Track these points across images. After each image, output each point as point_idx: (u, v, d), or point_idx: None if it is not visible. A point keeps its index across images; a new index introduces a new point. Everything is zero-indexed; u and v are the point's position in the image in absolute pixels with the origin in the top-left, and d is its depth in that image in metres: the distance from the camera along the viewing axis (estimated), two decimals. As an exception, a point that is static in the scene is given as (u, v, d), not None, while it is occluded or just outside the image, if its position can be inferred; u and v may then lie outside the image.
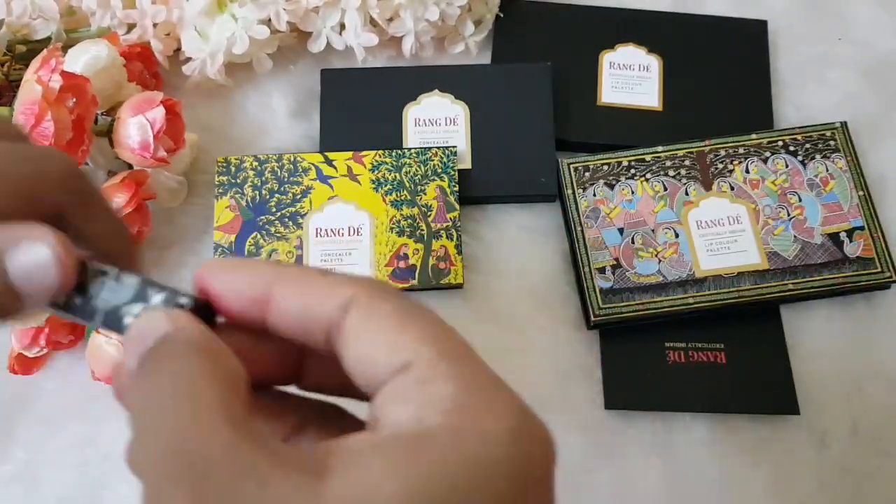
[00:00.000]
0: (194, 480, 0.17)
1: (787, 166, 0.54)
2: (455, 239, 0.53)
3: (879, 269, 0.51)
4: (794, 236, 0.52)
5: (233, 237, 0.53)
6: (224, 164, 0.54)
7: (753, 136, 0.55)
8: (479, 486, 0.18)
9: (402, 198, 0.54)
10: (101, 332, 0.48)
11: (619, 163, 0.54)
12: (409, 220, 0.53)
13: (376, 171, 0.54)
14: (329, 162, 0.54)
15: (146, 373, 0.19)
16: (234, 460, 0.17)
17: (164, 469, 0.17)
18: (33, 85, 0.44)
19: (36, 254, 0.21)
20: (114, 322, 0.21)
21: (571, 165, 0.54)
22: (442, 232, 0.53)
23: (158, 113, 0.48)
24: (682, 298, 0.50)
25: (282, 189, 0.54)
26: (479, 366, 0.21)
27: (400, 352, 0.20)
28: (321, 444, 0.19)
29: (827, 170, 0.54)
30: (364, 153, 0.54)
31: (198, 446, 0.17)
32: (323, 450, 0.19)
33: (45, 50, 0.47)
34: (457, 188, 0.54)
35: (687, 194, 0.53)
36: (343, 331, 0.21)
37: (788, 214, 0.53)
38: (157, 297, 0.22)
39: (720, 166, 0.54)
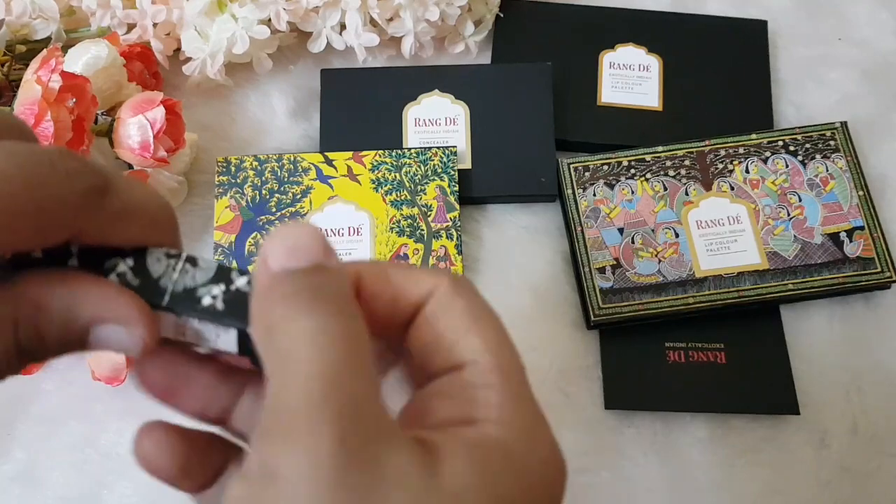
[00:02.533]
0: (344, 424, 0.17)
1: (787, 166, 0.54)
2: (455, 239, 0.53)
3: (879, 269, 0.51)
4: (794, 236, 0.52)
5: (233, 237, 0.53)
6: (224, 164, 0.54)
7: (753, 135, 0.55)
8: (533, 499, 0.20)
9: (402, 198, 0.54)
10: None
11: (619, 163, 0.54)
12: (409, 220, 0.53)
13: (376, 171, 0.54)
14: (329, 162, 0.54)
15: (305, 300, 0.19)
16: (379, 419, 0.18)
17: (317, 402, 0.17)
18: (33, 85, 0.44)
19: (119, 336, 0.21)
20: (186, 303, 0.21)
21: (571, 165, 0.54)
22: (442, 232, 0.53)
23: (158, 113, 0.48)
24: (682, 298, 0.50)
25: (282, 189, 0.54)
26: (526, 390, 0.22)
27: (462, 352, 0.21)
28: (427, 432, 0.20)
29: (827, 170, 0.54)
30: (364, 153, 0.54)
31: (354, 391, 0.18)
32: (430, 436, 0.20)
33: (44, 50, 0.47)
34: (457, 188, 0.54)
35: (687, 194, 0.53)
36: (419, 318, 0.22)
37: (788, 214, 0.53)
38: (241, 280, 0.21)
39: (720, 166, 0.54)
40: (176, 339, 0.22)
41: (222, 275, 0.21)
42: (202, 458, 0.23)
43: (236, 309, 0.21)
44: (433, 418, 0.21)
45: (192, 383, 0.23)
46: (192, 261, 0.21)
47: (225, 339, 0.21)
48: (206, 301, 0.21)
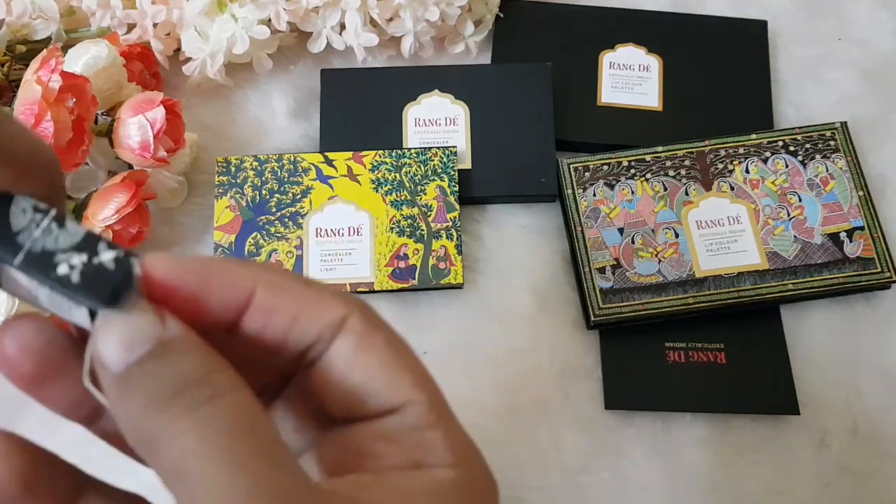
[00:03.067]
0: None
1: (787, 166, 0.54)
2: (455, 239, 0.53)
3: (879, 269, 0.51)
4: (794, 236, 0.52)
5: (233, 237, 0.53)
6: (224, 164, 0.54)
7: (753, 136, 0.55)
8: None
9: (402, 198, 0.54)
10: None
11: (619, 163, 0.54)
12: (409, 220, 0.53)
13: (376, 171, 0.54)
14: (329, 162, 0.54)
15: (171, 404, 0.17)
16: None
17: None
18: (33, 85, 0.44)
19: None
20: (40, 267, 0.18)
21: (571, 165, 0.54)
22: (442, 232, 0.53)
23: (158, 113, 0.48)
24: (682, 298, 0.50)
25: (282, 189, 0.54)
26: (456, 421, 0.21)
27: (398, 392, 0.20)
28: (357, 479, 0.19)
29: (827, 170, 0.54)
30: (364, 153, 0.54)
31: (276, 485, 0.16)
32: (362, 485, 0.19)
33: (45, 50, 0.47)
34: (457, 188, 0.54)
35: (687, 194, 0.53)
36: (332, 353, 0.20)
37: (788, 214, 0.53)
38: (107, 254, 0.19)
39: (720, 166, 0.54)
40: (29, 302, 0.20)
41: (88, 243, 0.19)
42: (48, 481, 0.20)
43: (93, 285, 0.18)
44: (379, 463, 0.20)
45: (65, 374, 0.20)
46: (59, 220, 0.19)
47: (77, 314, 0.19)
48: (62, 270, 0.19)
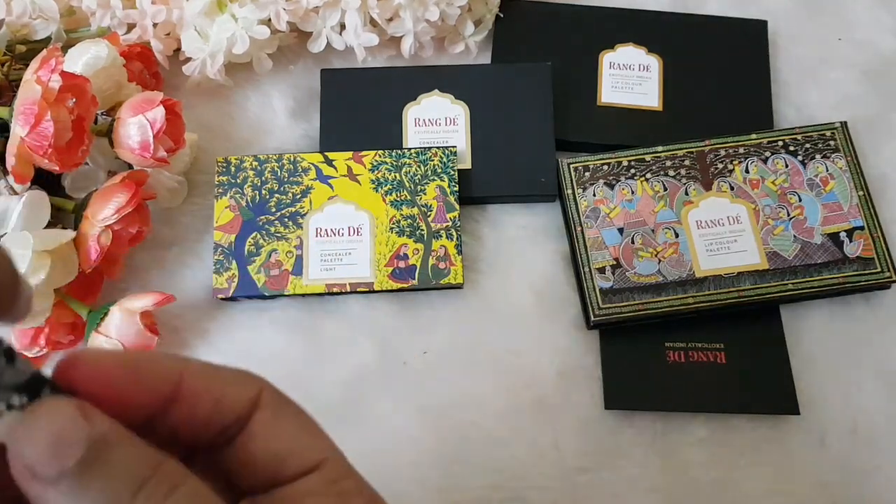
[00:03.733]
0: None
1: (786, 166, 0.54)
2: (455, 239, 0.53)
3: (879, 269, 0.51)
4: (794, 236, 0.52)
5: (233, 237, 0.53)
6: (224, 164, 0.54)
7: (753, 135, 0.55)
8: None
9: (402, 198, 0.54)
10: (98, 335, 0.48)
11: (619, 163, 0.54)
12: (409, 220, 0.53)
13: (376, 171, 0.54)
14: (329, 162, 0.54)
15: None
16: None
17: None
18: (33, 85, 0.44)
19: None
20: None
21: (571, 165, 0.54)
22: (442, 232, 0.53)
23: (158, 113, 0.48)
24: (682, 298, 0.50)
25: (282, 189, 0.54)
26: (359, 475, 0.24)
27: (317, 451, 0.22)
28: None
29: (827, 170, 0.54)
30: (364, 153, 0.54)
31: None
32: None
33: (44, 50, 0.46)
34: (457, 188, 0.54)
35: (687, 194, 0.53)
36: (254, 425, 0.22)
37: (788, 214, 0.53)
38: (19, 399, 0.18)
39: (720, 166, 0.54)
40: None
41: (32, 386, 0.18)
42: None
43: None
44: None
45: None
46: (9, 356, 0.18)
47: None
48: None
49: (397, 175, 0.54)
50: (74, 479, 0.17)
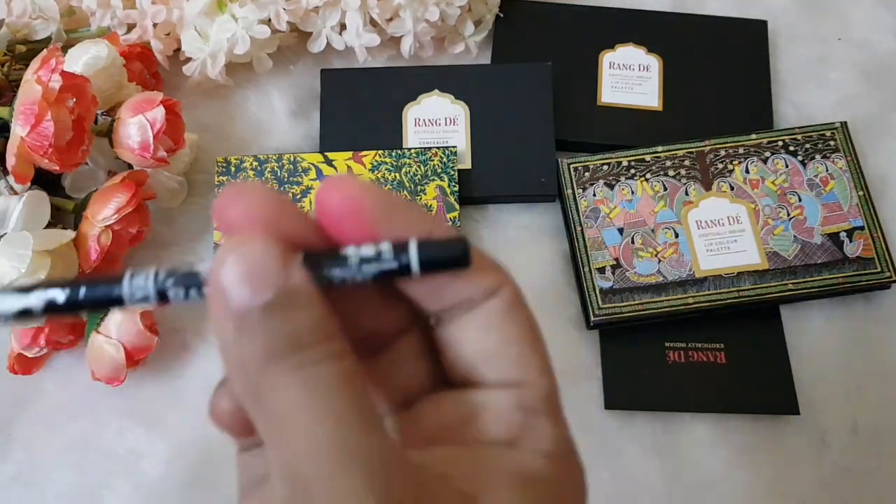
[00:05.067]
0: (379, 484, 0.17)
1: (786, 166, 0.54)
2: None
3: (879, 269, 0.51)
4: (794, 236, 0.52)
5: (233, 237, 0.52)
6: (224, 164, 0.54)
7: (753, 136, 0.55)
8: None
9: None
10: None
11: (619, 163, 0.54)
12: (409, 220, 0.53)
13: (376, 172, 0.54)
14: (329, 162, 0.54)
15: (287, 360, 0.18)
16: (411, 475, 0.18)
17: (346, 468, 0.17)
18: (33, 85, 0.44)
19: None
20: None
21: (571, 165, 0.54)
22: (442, 232, 0.53)
23: (158, 113, 0.48)
24: (682, 298, 0.50)
25: (282, 189, 0.54)
26: (564, 419, 0.22)
27: (524, 370, 0.20)
28: (445, 452, 0.19)
29: (827, 170, 0.54)
30: (364, 153, 0.54)
31: (372, 447, 0.17)
32: (450, 459, 0.19)
33: (45, 50, 0.46)
34: (457, 188, 0.54)
35: (687, 194, 0.53)
36: (480, 312, 0.21)
37: (788, 214, 0.53)
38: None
39: (720, 166, 0.54)
40: None
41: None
42: None
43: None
44: (475, 433, 0.20)
45: None
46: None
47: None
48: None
49: (397, 175, 0.54)
50: (253, 315, 0.18)
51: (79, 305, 0.20)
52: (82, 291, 0.20)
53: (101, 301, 0.20)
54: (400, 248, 0.19)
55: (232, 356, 0.18)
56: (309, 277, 0.18)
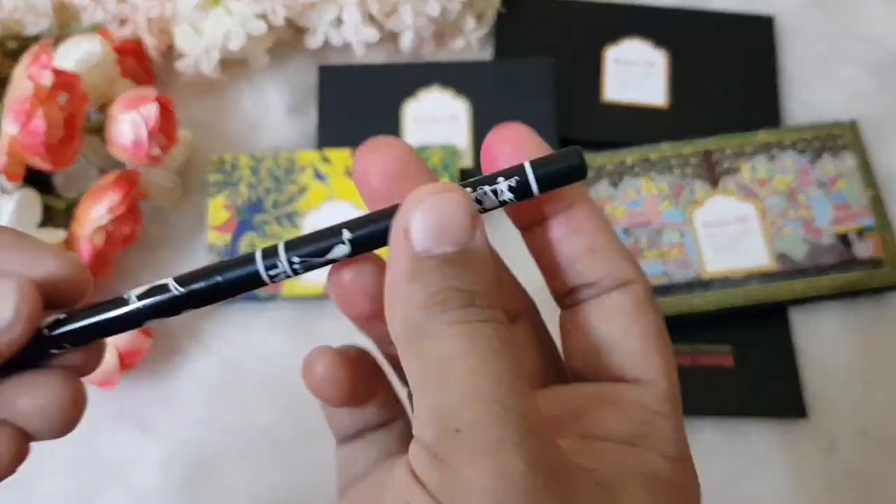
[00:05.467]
0: (530, 447, 0.17)
1: (795, 165, 0.53)
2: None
3: (890, 270, 0.50)
4: (803, 236, 0.51)
5: (228, 236, 0.52)
6: (219, 163, 0.53)
7: (761, 134, 0.54)
8: None
9: (402, 197, 0.53)
10: None
11: (624, 161, 0.53)
12: (409, 220, 0.52)
13: (375, 170, 0.53)
14: (326, 160, 0.53)
15: (457, 311, 0.18)
16: (555, 448, 0.18)
17: (501, 421, 0.17)
18: (24, 81, 0.43)
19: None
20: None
21: (574, 164, 0.54)
22: (442, 232, 0.52)
23: (152, 110, 0.47)
24: (688, 300, 0.50)
25: (278, 187, 0.53)
26: (683, 421, 0.21)
27: (647, 367, 0.20)
28: (566, 444, 0.19)
29: (836, 168, 0.53)
30: (362, 151, 0.54)
31: (525, 411, 0.17)
32: (573, 450, 0.19)
33: (35, 46, 0.46)
34: (457, 187, 0.53)
35: (693, 193, 0.53)
36: (608, 301, 0.21)
37: (796, 214, 0.52)
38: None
39: (727, 165, 0.53)
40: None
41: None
42: (361, 385, 0.23)
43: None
44: (594, 428, 0.20)
45: (366, 396, 0.24)
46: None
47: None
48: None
49: (396, 174, 0.53)
50: (431, 263, 0.18)
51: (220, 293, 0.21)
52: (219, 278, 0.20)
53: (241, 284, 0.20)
54: (516, 169, 0.20)
55: (400, 296, 0.19)
56: (489, 244, 0.19)
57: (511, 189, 0.20)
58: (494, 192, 0.20)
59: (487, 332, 0.18)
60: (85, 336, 0.21)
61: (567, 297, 0.22)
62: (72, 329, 0.21)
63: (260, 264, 0.20)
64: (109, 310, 0.21)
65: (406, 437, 0.23)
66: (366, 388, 0.23)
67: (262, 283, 0.20)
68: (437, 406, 0.17)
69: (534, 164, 0.20)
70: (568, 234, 0.21)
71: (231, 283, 0.20)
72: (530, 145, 0.21)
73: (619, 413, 0.20)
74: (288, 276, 0.21)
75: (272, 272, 0.20)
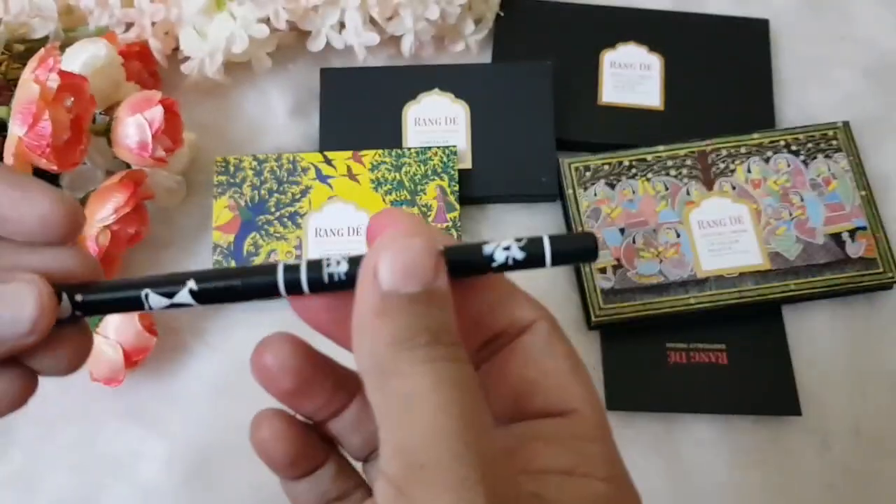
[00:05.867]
0: (490, 483, 0.18)
1: (788, 166, 0.54)
2: (455, 239, 0.52)
3: (882, 270, 0.51)
4: (797, 237, 0.52)
5: (231, 237, 0.52)
6: (223, 164, 0.54)
7: (755, 135, 0.55)
8: None
9: (402, 198, 0.53)
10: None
11: (620, 162, 0.54)
12: (409, 220, 0.53)
13: (376, 171, 0.54)
14: (328, 161, 0.54)
15: (422, 345, 0.19)
16: (512, 480, 0.19)
17: (461, 459, 0.18)
18: (31, 84, 0.43)
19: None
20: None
21: (572, 165, 0.54)
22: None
23: (157, 112, 0.48)
24: (684, 299, 0.50)
25: (281, 189, 0.53)
26: (613, 440, 0.23)
27: (570, 399, 0.22)
28: (546, 491, 0.20)
29: (829, 170, 0.54)
30: (363, 153, 0.54)
31: (484, 446, 0.18)
32: (554, 498, 0.20)
33: (42, 49, 0.46)
34: (457, 188, 0.53)
35: (688, 194, 0.53)
36: (518, 345, 0.22)
37: (790, 214, 0.53)
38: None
39: (722, 166, 0.54)
40: None
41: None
42: (309, 451, 0.24)
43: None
44: (535, 463, 0.21)
45: (315, 387, 0.24)
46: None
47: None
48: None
49: (397, 175, 0.54)
50: (398, 301, 0.19)
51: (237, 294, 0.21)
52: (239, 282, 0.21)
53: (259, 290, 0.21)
54: (535, 241, 0.21)
55: (367, 333, 0.19)
56: (448, 284, 0.20)
57: (526, 255, 0.21)
58: (509, 251, 0.21)
59: (451, 369, 0.19)
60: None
61: (480, 352, 0.23)
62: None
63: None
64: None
65: None
66: (313, 454, 0.24)
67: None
68: (403, 441, 0.18)
69: (551, 238, 0.22)
70: (469, 294, 0.22)
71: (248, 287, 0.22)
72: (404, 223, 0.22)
73: (550, 447, 0.21)
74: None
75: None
